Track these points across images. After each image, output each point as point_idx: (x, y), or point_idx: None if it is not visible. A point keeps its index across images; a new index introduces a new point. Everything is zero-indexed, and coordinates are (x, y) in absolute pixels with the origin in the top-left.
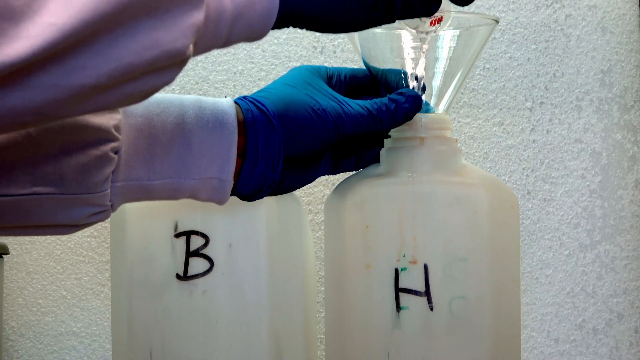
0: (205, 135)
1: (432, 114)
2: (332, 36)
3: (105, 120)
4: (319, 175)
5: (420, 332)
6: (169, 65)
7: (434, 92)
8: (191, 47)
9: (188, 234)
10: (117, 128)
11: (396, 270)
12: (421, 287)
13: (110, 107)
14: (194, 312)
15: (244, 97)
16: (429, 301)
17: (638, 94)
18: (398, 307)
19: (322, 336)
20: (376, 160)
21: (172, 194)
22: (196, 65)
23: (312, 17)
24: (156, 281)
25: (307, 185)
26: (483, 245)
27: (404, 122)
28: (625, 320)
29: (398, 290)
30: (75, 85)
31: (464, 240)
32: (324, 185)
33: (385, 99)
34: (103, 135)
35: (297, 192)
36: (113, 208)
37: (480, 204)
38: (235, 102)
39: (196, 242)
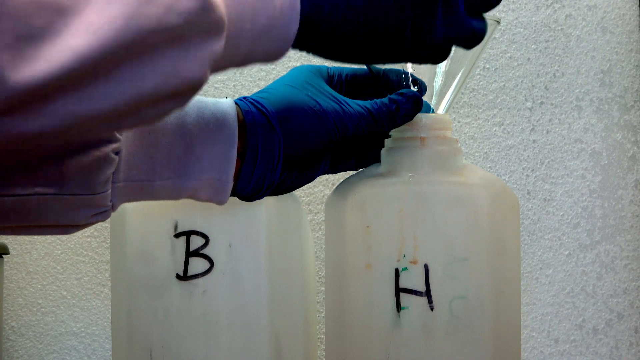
0: (205, 136)
1: (433, 114)
2: None
3: None
4: (319, 175)
5: (420, 332)
6: (185, 92)
7: (434, 92)
8: (208, 74)
9: (188, 234)
10: None
11: (396, 270)
12: (421, 287)
13: (123, 129)
14: (194, 312)
15: (244, 97)
16: (430, 301)
17: (638, 94)
18: (398, 307)
19: (322, 336)
20: (376, 160)
21: (173, 194)
22: None
23: (331, 46)
24: (156, 281)
25: (307, 185)
26: (483, 245)
27: (405, 122)
28: (625, 320)
29: (398, 290)
30: (92, 113)
31: (464, 240)
32: (324, 185)
33: (385, 100)
34: (104, 137)
35: (297, 192)
36: (113, 208)
37: (480, 204)
38: (235, 103)
39: (196, 242)
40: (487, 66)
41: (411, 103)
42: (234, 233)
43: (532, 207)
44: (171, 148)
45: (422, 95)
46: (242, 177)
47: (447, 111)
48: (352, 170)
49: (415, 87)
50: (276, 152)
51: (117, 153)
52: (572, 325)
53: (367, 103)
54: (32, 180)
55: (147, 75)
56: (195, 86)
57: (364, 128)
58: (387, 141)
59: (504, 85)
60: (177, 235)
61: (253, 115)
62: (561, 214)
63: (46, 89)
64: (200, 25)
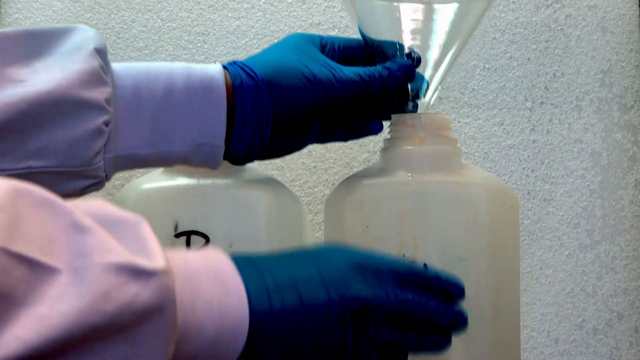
0: (194, 102)
1: (433, 114)
2: (334, 32)
3: (96, 94)
4: (309, 143)
5: None
6: None
7: (428, 65)
8: None
9: (188, 234)
10: (108, 101)
11: None
12: None
13: None
14: None
15: (234, 62)
16: None
17: (638, 94)
18: None
19: None
20: (367, 133)
21: (165, 162)
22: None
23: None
24: None
25: (307, 185)
26: (483, 245)
27: (396, 89)
28: (625, 320)
29: None
30: None
31: (464, 240)
32: (324, 185)
33: (378, 67)
34: (95, 109)
35: (297, 192)
36: (107, 178)
37: (480, 204)
38: (225, 67)
39: (196, 242)
40: (487, 66)
41: (403, 71)
42: (234, 233)
43: (532, 207)
44: (160, 117)
45: (417, 67)
46: (233, 140)
47: (440, 84)
48: (342, 140)
49: (409, 59)
50: (265, 115)
51: (107, 125)
52: (572, 325)
53: (359, 69)
54: (24, 155)
55: None
56: None
57: (355, 92)
58: (386, 140)
59: (504, 85)
60: (177, 235)
61: (241, 78)
62: (561, 214)
63: None
64: (155, 325)
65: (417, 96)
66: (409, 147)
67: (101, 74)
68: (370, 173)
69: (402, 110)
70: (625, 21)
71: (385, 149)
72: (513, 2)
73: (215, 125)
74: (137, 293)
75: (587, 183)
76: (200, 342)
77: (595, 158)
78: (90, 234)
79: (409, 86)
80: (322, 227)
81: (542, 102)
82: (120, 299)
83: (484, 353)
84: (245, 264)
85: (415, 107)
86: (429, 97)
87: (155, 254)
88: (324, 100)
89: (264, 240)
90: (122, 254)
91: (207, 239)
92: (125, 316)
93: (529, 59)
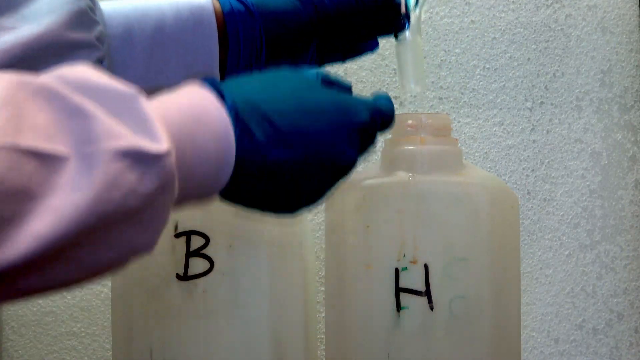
0: (185, 34)
1: (433, 114)
2: None
3: (86, 33)
4: (306, 65)
5: (420, 332)
6: (137, 257)
7: None
8: (159, 239)
9: (188, 234)
10: (99, 39)
11: (396, 270)
12: (421, 287)
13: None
14: (194, 312)
15: None
16: (429, 301)
17: (638, 94)
18: (398, 306)
19: (322, 336)
20: (363, 51)
21: None
22: None
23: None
24: (156, 281)
25: None
26: (483, 245)
27: (386, 2)
28: (625, 320)
29: (398, 290)
30: (51, 288)
31: (464, 240)
32: None
33: None
34: (86, 48)
35: None
36: None
37: (480, 204)
38: None
39: (196, 242)
40: (487, 66)
41: None
42: (234, 233)
43: (532, 207)
44: (152, 52)
45: None
46: (229, 68)
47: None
48: (340, 61)
49: None
50: (258, 37)
51: (101, 62)
52: (572, 325)
53: None
54: None
55: (105, 254)
56: (147, 252)
57: (345, 6)
58: (386, 141)
59: (504, 85)
60: (177, 235)
61: (230, 4)
62: (561, 214)
63: (10, 273)
64: (158, 203)
65: (407, 10)
66: (409, 147)
67: (89, 13)
68: (370, 173)
69: (395, 25)
70: (625, 21)
71: (385, 149)
72: (513, 2)
73: (208, 55)
74: (141, 178)
75: (587, 183)
76: (193, 180)
77: (595, 158)
78: (94, 119)
79: None
80: (322, 227)
81: (542, 102)
82: (126, 186)
83: (484, 353)
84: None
85: (407, 21)
86: (419, 11)
87: (158, 134)
88: (315, 16)
89: (264, 241)
90: (127, 138)
91: (207, 239)
92: (130, 202)
93: (529, 59)
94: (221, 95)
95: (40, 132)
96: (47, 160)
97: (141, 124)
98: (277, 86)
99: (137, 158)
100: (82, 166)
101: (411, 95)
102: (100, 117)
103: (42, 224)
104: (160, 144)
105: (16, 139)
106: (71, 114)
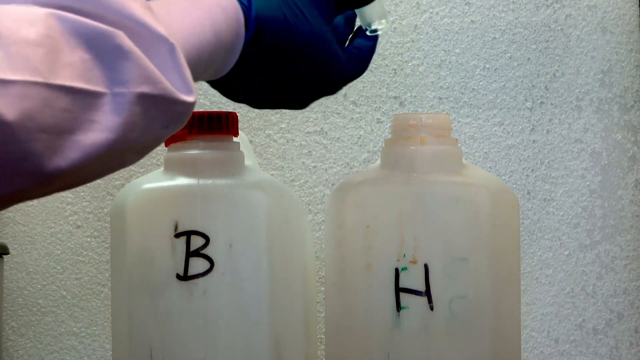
0: None
1: (433, 114)
2: None
3: None
4: None
5: (420, 332)
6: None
7: None
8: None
9: (188, 234)
10: None
11: (396, 270)
12: (421, 287)
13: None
14: (194, 312)
15: None
16: (429, 301)
17: (638, 94)
18: (398, 307)
19: (322, 336)
20: None
21: None
22: None
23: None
24: (156, 281)
25: (307, 185)
26: (483, 245)
27: None
28: (625, 320)
29: (398, 290)
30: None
31: (464, 240)
32: (324, 185)
33: None
34: None
35: (297, 192)
36: None
37: (480, 204)
38: None
39: (196, 242)
40: (487, 66)
41: None
42: (234, 233)
43: (532, 207)
44: None
45: None
46: None
47: None
48: None
49: None
50: None
51: None
52: (572, 325)
53: None
54: None
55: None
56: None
57: None
58: (386, 141)
59: (504, 85)
60: (177, 235)
61: None
62: (561, 214)
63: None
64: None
65: None
66: (410, 147)
67: None
68: (370, 173)
69: None
70: (625, 21)
71: (385, 149)
72: (513, 2)
73: None
74: (167, 125)
75: (587, 183)
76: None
77: (595, 158)
78: (130, 60)
79: None
80: (322, 227)
81: (542, 102)
82: (152, 133)
83: (484, 353)
84: None
85: None
86: None
87: (189, 85)
88: None
89: (264, 241)
90: (159, 85)
91: (207, 239)
92: (147, 142)
93: (529, 59)
94: None
95: (76, 69)
96: (81, 96)
97: (175, 71)
98: None
99: (166, 106)
100: (113, 106)
101: (379, 31)
102: (137, 58)
103: (64, 162)
104: (189, 96)
105: (48, 78)
106: (111, 53)
